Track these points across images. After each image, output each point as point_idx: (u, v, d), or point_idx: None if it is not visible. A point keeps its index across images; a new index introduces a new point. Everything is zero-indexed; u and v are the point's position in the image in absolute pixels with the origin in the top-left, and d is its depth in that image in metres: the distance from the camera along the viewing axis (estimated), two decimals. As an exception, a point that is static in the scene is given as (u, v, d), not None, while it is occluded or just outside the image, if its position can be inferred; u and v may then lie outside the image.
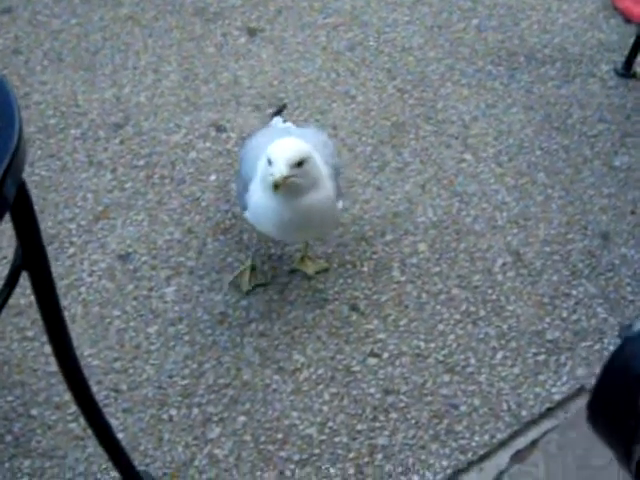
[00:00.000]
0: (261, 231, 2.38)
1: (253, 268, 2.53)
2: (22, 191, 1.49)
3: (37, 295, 1.65)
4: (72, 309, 2.46)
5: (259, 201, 2.26)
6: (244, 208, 2.36)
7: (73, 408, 2.20)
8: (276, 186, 2.10)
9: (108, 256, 2.61)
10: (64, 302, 2.45)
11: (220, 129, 3.02)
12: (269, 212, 2.24)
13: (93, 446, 2.13)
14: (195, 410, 2.24)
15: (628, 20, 3.57)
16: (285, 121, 2.65)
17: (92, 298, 2.49)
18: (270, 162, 2.12)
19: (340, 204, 2.38)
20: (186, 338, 2.40)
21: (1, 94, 1.49)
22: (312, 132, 2.47)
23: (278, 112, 2.74)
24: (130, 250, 2.62)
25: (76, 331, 2.38)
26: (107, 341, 2.38)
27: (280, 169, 2.09)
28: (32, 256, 1.54)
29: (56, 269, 2.54)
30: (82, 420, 2.13)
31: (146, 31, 3.43)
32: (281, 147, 2.13)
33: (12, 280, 1.55)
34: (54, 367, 2.25)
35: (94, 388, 2.21)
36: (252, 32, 3.44)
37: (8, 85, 1.51)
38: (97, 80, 3.21)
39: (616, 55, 3.38)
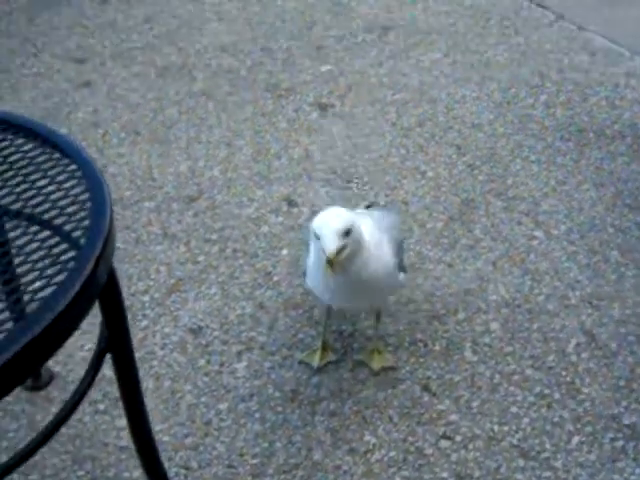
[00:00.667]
0: (317, 296, 2.39)
1: (324, 346, 2.53)
2: (111, 277, 1.52)
3: (119, 377, 1.67)
4: (144, 383, 2.48)
5: (311, 268, 2.28)
6: (304, 274, 2.39)
7: (142, 486, 2.21)
8: (330, 264, 2.03)
9: (180, 329, 2.64)
10: (137, 375, 2.48)
11: (292, 203, 3.06)
12: (321, 280, 2.24)
13: (164, 524, 2.13)
14: (266, 490, 2.23)
15: (700, 96, 3.55)
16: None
17: (164, 372, 2.52)
18: (317, 236, 2.08)
19: (401, 276, 2.38)
20: (257, 415, 2.39)
21: (93, 180, 1.54)
22: (382, 210, 2.51)
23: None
24: (202, 324, 2.65)
25: (147, 406, 2.39)
26: (178, 416, 2.39)
27: (331, 243, 2.02)
28: (117, 340, 1.57)
29: (129, 342, 2.58)
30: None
31: (220, 106, 3.51)
32: (326, 220, 2.09)
33: (97, 362, 1.57)
34: (125, 441, 2.28)
35: (164, 465, 2.23)
36: (323, 107, 3.50)
37: (99, 172, 1.56)
38: (172, 153, 3.29)
39: (688, 131, 3.35)
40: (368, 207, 2.68)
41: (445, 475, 2.25)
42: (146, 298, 2.73)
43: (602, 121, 3.40)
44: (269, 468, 2.27)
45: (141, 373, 2.47)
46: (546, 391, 2.44)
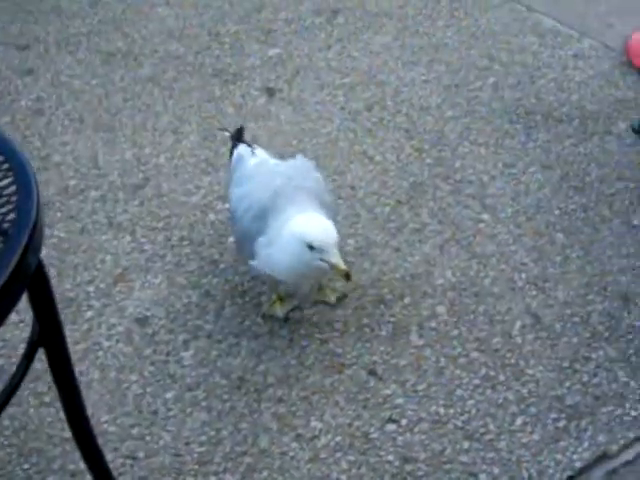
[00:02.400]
0: (272, 277, 2.43)
1: (280, 296, 2.58)
2: (39, 268, 1.50)
3: (52, 370, 1.65)
4: (89, 374, 2.46)
5: (276, 259, 2.32)
6: (250, 257, 2.41)
7: (89, 477, 2.18)
8: (348, 276, 2.23)
9: (126, 319, 2.61)
10: (81, 367, 2.46)
11: (238, 190, 3.03)
12: (288, 269, 2.32)
13: (109, 516, 2.11)
14: (212, 478, 2.22)
15: (645, 77, 3.58)
16: (253, 149, 2.63)
17: (110, 363, 2.49)
18: (313, 248, 2.21)
19: None
20: (203, 404, 2.39)
21: (20, 168, 1.51)
22: (304, 170, 2.53)
23: (237, 138, 2.70)
24: (148, 313, 2.63)
25: (93, 397, 2.38)
26: (124, 407, 2.38)
27: (338, 259, 2.21)
28: (48, 333, 1.55)
29: (73, 333, 2.55)
30: (99, 489, 2.13)
31: (166, 92, 3.48)
32: (324, 234, 2.23)
33: (29, 356, 1.55)
34: (70, 433, 2.25)
35: (110, 455, 2.22)
36: (271, 92, 3.48)
37: (25, 159, 1.53)
38: (117, 141, 3.25)
39: (633, 112, 3.38)
40: (237, 138, 2.68)
41: (391, 458, 2.26)
42: (91, 288, 2.71)
43: (550, 103, 3.42)
44: (216, 456, 2.26)
45: (86, 364, 2.48)
46: (491, 373, 2.46)
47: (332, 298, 2.61)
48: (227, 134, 2.81)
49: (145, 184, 3.07)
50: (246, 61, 3.63)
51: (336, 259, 2.20)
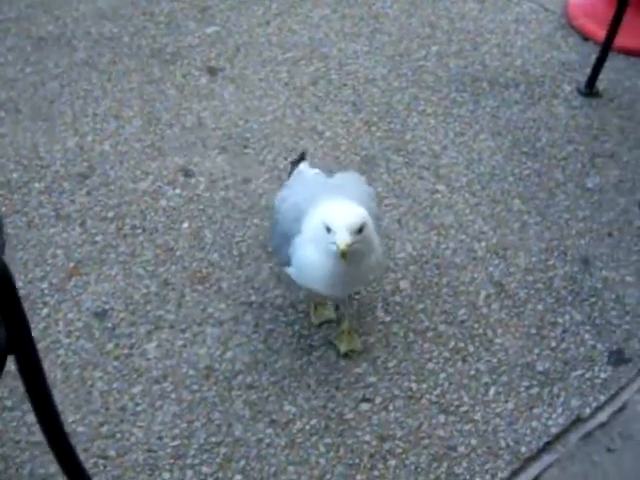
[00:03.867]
0: (304, 285, 2.31)
1: (315, 306, 2.50)
2: (4, 274, 1.42)
3: (23, 376, 1.58)
4: (51, 373, 2.37)
5: (309, 260, 2.16)
6: (286, 263, 2.27)
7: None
8: (344, 255, 2.02)
9: (84, 314, 2.53)
10: (42, 366, 2.37)
11: (188, 174, 2.96)
12: (321, 271, 2.15)
13: (85, 519, 2.05)
14: (189, 472, 2.17)
15: (585, 38, 3.60)
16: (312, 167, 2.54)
17: (71, 360, 2.41)
18: (329, 230, 2.05)
19: (380, 251, 2.28)
20: (173, 396, 2.33)
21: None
22: (353, 182, 2.38)
23: (298, 161, 2.59)
24: (106, 307, 2.55)
25: (57, 397, 2.27)
26: (91, 405, 2.30)
27: (344, 238, 2.02)
28: (18, 340, 1.47)
29: (31, 332, 2.46)
30: (72, 493, 2.06)
31: (104, 76, 3.36)
32: (340, 214, 2.07)
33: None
34: (38, 437, 2.18)
35: (82, 456, 2.14)
36: (212, 71, 3.39)
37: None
38: (57, 129, 3.13)
39: (578, 74, 3.39)
40: (297, 162, 2.57)
41: (367, 438, 2.24)
42: (44, 285, 2.61)
43: (495, 69, 3.41)
44: (190, 449, 2.21)
45: (47, 364, 2.39)
46: (460, 345, 2.46)
47: (343, 348, 2.43)
48: (289, 160, 2.70)
49: (91, 173, 2.97)
50: (184, 40, 3.53)
51: (341, 238, 2.02)
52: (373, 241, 2.15)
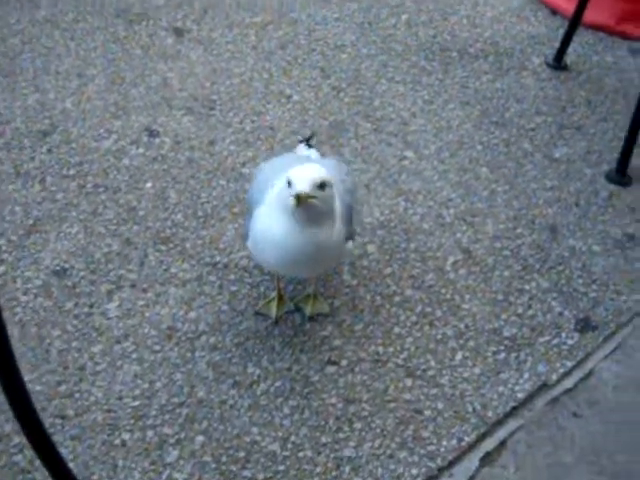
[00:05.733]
0: (260, 263, 2.23)
1: (280, 295, 2.39)
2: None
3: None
4: (8, 331, 2.29)
5: (264, 227, 2.09)
6: (246, 237, 2.21)
7: (16, 440, 2.06)
8: (298, 200, 1.94)
9: (43, 272, 2.46)
10: (-2, 324, 2.29)
11: (153, 134, 2.89)
12: (274, 241, 2.07)
13: (42, 479, 1.99)
14: (149, 433, 2.11)
15: (554, 12, 3.59)
16: (310, 147, 2.49)
17: (29, 318, 2.34)
18: (290, 184, 1.97)
19: (350, 244, 2.23)
20: (134, 356, 2.27)
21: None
22: (333, 164, 2.30)
23: (306, 140, 2.53)
24: (66, 265, 2.48)
25: (14, 355, 2.22)
26: (49, 364, 2.24)
27: (302, 187, 1.95)
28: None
29: (-14, 289, 2.39)
30: (28, 452, 2.00)
31: (67, 34, 3.27)
32: (303, 169, 2.00)
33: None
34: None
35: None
36: (179, 32, 3.32)
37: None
38: (18, 86, 3.04)
39: (546, 47, 3.38)
40: (306, 141, 2.51)
41: (334, 401, 2.21)
42: (2, 241, 2.53)
43: (464, 40, 3.39)
44: (151, 409, 2.16)
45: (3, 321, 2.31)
46: (427, 309, 2.43)
47: (308, 310, 2.37)
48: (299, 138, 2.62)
49: (52, 130, 2.88)
50: (150, 0, 3.45)
51: (299, 188, 1.93)
52: (334, 209, 2.07)
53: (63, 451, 2.04)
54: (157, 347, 2.30)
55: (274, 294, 2.40)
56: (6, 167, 2.75)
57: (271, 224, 2.07)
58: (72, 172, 2.75)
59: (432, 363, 2.30)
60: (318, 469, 2.07)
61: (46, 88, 3.03)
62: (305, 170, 2.00)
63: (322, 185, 1.98)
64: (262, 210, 2.12)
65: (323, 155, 2.56)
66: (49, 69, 3.12)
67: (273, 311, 2.37)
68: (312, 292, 2.41)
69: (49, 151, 2.81)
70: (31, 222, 2.59)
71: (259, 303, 2.39)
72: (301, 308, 2.41)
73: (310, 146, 2.50)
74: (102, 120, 2.93)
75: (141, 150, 2.83)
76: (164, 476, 2.04)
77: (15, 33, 3.26)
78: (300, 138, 2.68)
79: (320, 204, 2.00)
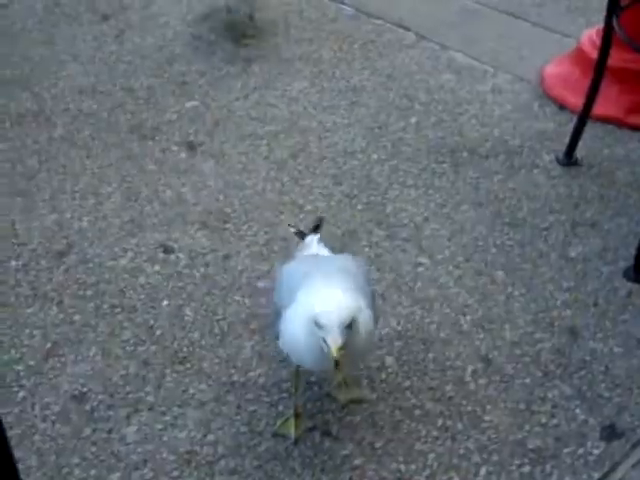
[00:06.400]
0: (293, 359, 2.23)
1: (297, 412, 2.37)
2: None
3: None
4: (27, 460, 2.29)
5: (294, 333, 2.10)
6: (276, 337, 2.22)
7: None
8: (336, 364, 1.96)
9: (61, 398, 2.46)
10: (17, 453, 2.25)
11: (168, 250, 2.92)
12: (303, 348, 2.09)
13: None
14: None
15: (562, 107, 3.62)
16: (319, 240, 2.50)
17: (47, 446, 2.33)
18: (320, 325, 1.97)
19: (376, 327, 2.24)
20: (153, 483, 2.25)
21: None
22: (349, 259, 2.35)
23: (316, 227, 2.55)
24: (84, 389, 2.48)
25: (33, 487, 2.22)
26: (68, 494, 2.22)
27: (335, 341, 1.93)
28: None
29: (5, 417, 2.37)
30: None
31: (83, 152, 3.34)
32: (330, 312, 1.98)
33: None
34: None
35: None
36: (191, 146, 3.38)
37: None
38: (35, 206, 3.10)
39: (556, 144, 3.40)
40: (315, 228, 2.54)
41: (356, 524, 2.16)
42: (20, 367, 2.54)
43: (474, 140, 3.42)
44: (172, 540, 2.12)
45: (22, 451, 2.32)
46: (448, 423, 2.40)
47: (342, 398, 2.40)
48: (292, 230, 2.64)
49: (69, 250, 2.92)
50: (163, 115, 3.53)
51: (332, 340, 1.93)
52: (361, 329, 2.06)
53: None
54: (176, 473, 2.27)
55: (291, 412, 2.38)
56: (24, 289, 2.78)
57: (300, 338, 2.07)
58: (89, 293, 2.77)
59: (456, 479, 2.26)
60: None
61: (63, 208, 3.08)
62: (331, 313, 1.97)
63: (350, 325, 1.98)
64: (291, 313, 2.13)
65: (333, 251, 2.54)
66: (65, 188, 3.17)
67: (292, 431, 2.35)
68: (342, 378, 2.40)
69: (66, 271, 2.84)
70: (49, 345, 2.60)
71: (277, 423, 2.37)
72: (335, 396, 2.41)
73: (316, 233, 2.51)
74: (118, 238, 2.96)
75: (157, 267, 2.85)
76: None
77: (32, 153, 3.33)
78: (311, 227, 2.61)
79: (353, 342, 2.00)
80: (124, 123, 3.48)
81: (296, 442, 2.33)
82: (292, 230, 2.65)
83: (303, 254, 2.44)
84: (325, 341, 1.95)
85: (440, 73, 3.81)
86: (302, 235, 2.56)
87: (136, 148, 3.36)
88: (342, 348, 1.94)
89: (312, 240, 2.49)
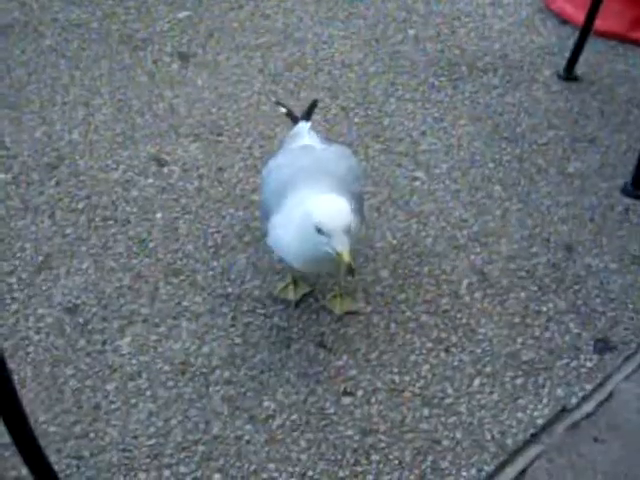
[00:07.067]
0: (280, 257, 2.28)
1: (295, 280, 2.44)
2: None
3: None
4: (21, 372, 2.29)
5: (287, 242, 2.14)
6: (265, 234, 2.27)
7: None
8: (350, 269, 1.97)
9: (55, 310, 2.44)
10: (11, 365, 2.27)
11: (161, 163, 2.88)
12: (296, 252, 2.13)
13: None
14: (166, 472, 2.09)
15: (564, 21, 3.54)
16: (309, 120, 2.49)
17: (42, 357, 2.33)
18: (321, 231, 1.99)
19: (363, 230, 2.27)
20: (148, 393, 2.25)
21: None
22: (339, 152, 2.34)
23: (309, 111, 2.53)
24: (78, 302, 2.46)
25: (28, 396, 2.22)
26: (63, 404, 2.22)
27: (344, 244, 1.96)
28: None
29: (-1, 329, 2.38)
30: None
31: (72, 63, 3.26)
32: (332, 217, 1.99)
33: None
34: (6, 438, 2.09)
35: (54, 457, 2.08)
36: (184, 57, 3.30)
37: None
38: (25, 118, 3.04)
39: (557, 58, 3.34)
40: (308, 113, 2.52)
41: (350, 433, 2.18)
42: (13, 279, 2.52)
43: (473, 53, 3.35)
44: (167, 448, 2.14)
45: (17, 362, 2.31)
46: (443, 335, 2.40)
47: (338, 309, 2.42)
48: (283, 110, 2.62)
49: (60, 163, 2.87)
50: (155, 25, 3.44)
51: (341, 247, 1.97)
52: (356, 223, 2.12)
53: (79, 494, 2.02)
54: (171, 383, 2.28)
55: (288, 278, 2.43)
56: (15, 202, 2.74)
57: (293, 243, 2.11)
58: (81, 205, 2.73)
59: (449, 391, 2.27)
60: (336, 505, 2.04)
61: (53, 119, 3.03)
62: (335, 218, 1.98)
63: (349, 227, 2.00)
64: (280, 219, 2.16)
65: (324, 138, 2.50)
66: (55, 100, 3.11)
67: (291, 294, 2.42)
68: (339, 290, 2.44)
69: (57, 184, 2.80)
70: (41, 258, 2.58)
71: (277, 286, 2.44)
72: (330, 308, 2.43)
73: (309, 119, 2.49)
74: (109, 151, 2.91)
75: (150, 180, 2.81)
76: (181, 518, 2.02)
77: (20, 64, 3.25)
78: (283, 110, 2.63)
79: (351, 242, 2.03)
80: (115, 33, 3.40)
81: (297, 305, 2.42)
82: (282, 110, 2.63)
83: (292, 146, 2.40)
84: (331, 248, 1.98)
85: (439, -15, 3.71)
86: (294, 118, 2.54)
87: (127, 59, 3.29)
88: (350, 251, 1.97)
89: (303, 128, 2.46)
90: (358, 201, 2.20)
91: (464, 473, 2.10)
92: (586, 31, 3.22)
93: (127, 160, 2.89)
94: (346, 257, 1.96)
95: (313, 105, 2.56)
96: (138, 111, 3.07)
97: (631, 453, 2.14)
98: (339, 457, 2.13)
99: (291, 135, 2.46)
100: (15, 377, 2.24)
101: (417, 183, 2.83)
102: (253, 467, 2.11)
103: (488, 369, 2.32)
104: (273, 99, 2.72)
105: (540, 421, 2.21)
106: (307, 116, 2.51)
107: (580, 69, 3.27)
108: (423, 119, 3.06)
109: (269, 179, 2.29)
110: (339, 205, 2.02)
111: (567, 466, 2.11)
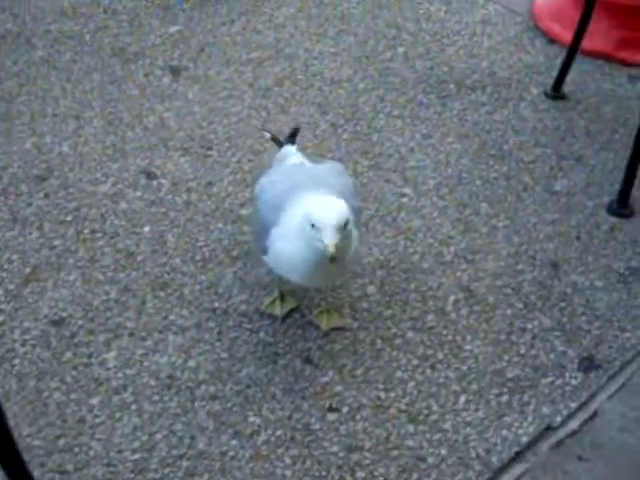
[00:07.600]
0: (280, 274, 2.28)
1: (282, 294, 2.45)
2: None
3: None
4: (6, 385, 2.29)
5: (288, 253, 2.16)
6: (263, 252, 2.26)
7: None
8: (333, 259, 2.01)
9: (41, 322, 2.44)
10: (-4, 377, 2.28)
11: (150, 176, 2.88)
12: (296, 262, 2.15)
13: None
14: (150, 487, 2.09)
15: (552, 40, 3.57)
16: (293, 144, 2.52)
17: (27, 370, 2.32)
18: (314, 226, 2.03)
19: (361, 249, 2.32)
20: (133, 407, 2.25)
21: None
22: (333, 169, 2.37)
23: (292, 136, 2.57)
24: (64, 314, 2.46)
25: (12, 409, 2.21)
26: (47, 417, 2.22)
27: (332, 237, 2.01)
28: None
29: (-16, 341, 2.37)
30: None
31: (64, 75, 3.27)
32: (326, 211, 2.04)
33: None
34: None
35: (37, 472, 2.08)
36: (175, 71, 3.32)
37: None
38: (15, 130, 3.04)
39: (544, 77, 3.37)
40: (291, 137, 2.56)
41: (335, 449, 2.18)
42: (0, 291, 2.52)
43: (462, 71, 3.37)
44: (151, 462, 2.14)
45: (2, 374, 2.31)
46: (429, 352, 2.41)
47: (324, 325, 2.43)
48: (268, 135, 2.66)
49: (49, 175, 2.87)
50: (147, 39, 3.45)
51: (328, 239, 2.00)
52: (354, 235, 2.15)
53: (62, 509, 2.02)
54: (156, 397, 2.28)
55: (276, 293, 2.44)
56: (4, 214, 2.74)
57: (294, 250, 2.13)
58: (69, 218, 2.73)
59: (435, 408, 2.28)
60: (320, 522, 2.04)
61: (43, 131, 3.03)
62: (328, 212, 2.03)
63: (345, 224, 2.04)
64: (280, 230, 2.17)
65: (311, 159, 2.52)
66: (46, 111, 3.11)
67: (278, 309, 2.43)
68: (325, 306, 2.45)
69: (46, 196, 2.80)
70: (29, 270, 2.58)
71: (264, 301, 2.45)
72: (317, 324, 2.43)
73: (293, 142, 2.53)
74: (99, 163, 2.92)
75: (138, 193, 2.82)
76: (164, 533, 2.01)
77: (12, 76, 3.26)
78: (268, 135, 2.67)
79: (346, 243, 2.07)
80: (106, 46, 3.41)
81: (283, 320, 2.43)
82: (267, 135, 2.66)
83: (283, 165, 2.42)
84: (320, 241, 2.02)
85: (430, 3, 3.74)
86: (278, 143, 2.57)
87: (119, 72, 3.29)
88: (338, 246, 2.00)
89: (290, 150, 2.48)
90: (356, 215, 2.22)
91: (448, 490, 2.11)
92: (573, 50, 3.24)
93: (116, 173, 2.89)
94: (331, 247, 1.99)
95: (295, 131, 2.58)
96: (128, 124, 3.07)
97: (614, 472, 2.15)
98: (324, 474, 2.13)
99: (278, 158, 2.48)
100: None
101: (405, 199, 2.85)
102: (238, 482, 2.11)
103: (474, 386, 2.33)
104: (258, 126, 2.75)
105: (525, 439, 2.21)
106: (291, 140, 2.53)
107: (567, 87, 3.30)
108: (411, 136, 3.08)
109: (264, 196, 2.29)
110: (335, 203, 2.07)
111: (551, 484, 2.12)
